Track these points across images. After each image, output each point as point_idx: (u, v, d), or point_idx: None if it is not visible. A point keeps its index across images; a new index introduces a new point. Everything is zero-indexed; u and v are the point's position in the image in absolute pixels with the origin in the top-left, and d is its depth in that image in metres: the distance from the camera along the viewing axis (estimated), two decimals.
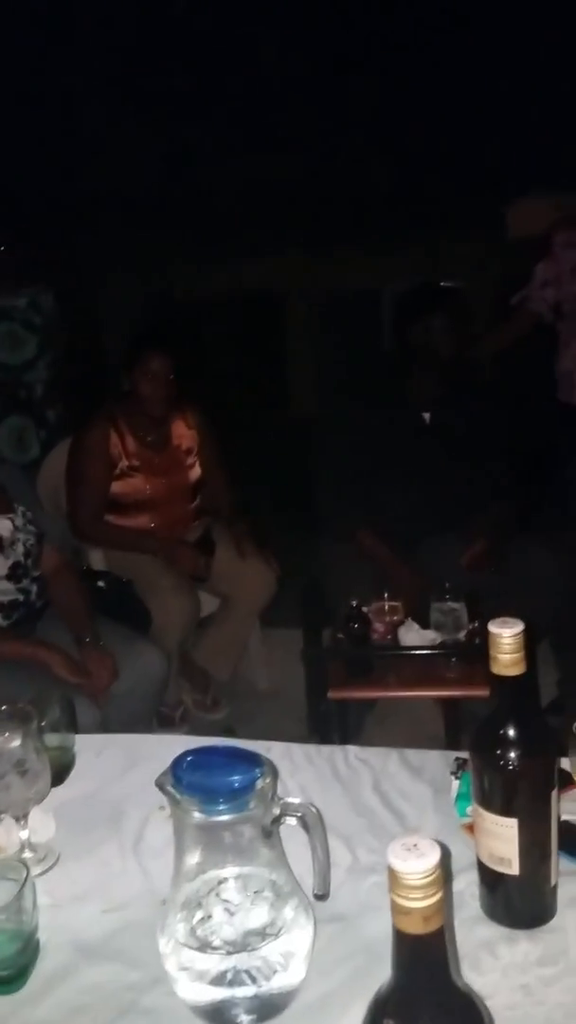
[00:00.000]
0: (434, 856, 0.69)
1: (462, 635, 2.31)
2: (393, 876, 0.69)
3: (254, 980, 0.95)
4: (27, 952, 1.05)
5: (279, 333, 6.57)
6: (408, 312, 2.77)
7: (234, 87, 6.49)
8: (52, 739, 1.40)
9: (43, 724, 1.35)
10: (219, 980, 0.95)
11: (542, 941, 1.04)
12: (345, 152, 6.39)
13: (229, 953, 0.96)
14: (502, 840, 1.04)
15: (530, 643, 1.04)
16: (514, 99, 6.24)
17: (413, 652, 2.32)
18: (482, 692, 2.06)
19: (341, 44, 6.49)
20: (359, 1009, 0.76)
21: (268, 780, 0.99)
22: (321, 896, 1.07)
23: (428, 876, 0.68)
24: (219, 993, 0.95)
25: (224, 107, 6.54)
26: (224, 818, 0.96)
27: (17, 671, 2.10)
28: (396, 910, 0.70)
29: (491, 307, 4.61)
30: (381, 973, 0.74)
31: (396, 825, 1.28)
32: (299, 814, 1.01)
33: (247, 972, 0.95)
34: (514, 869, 1.04)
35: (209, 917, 0.99)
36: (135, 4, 6.25)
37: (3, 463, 3.16)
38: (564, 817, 1.17)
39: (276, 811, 1.00)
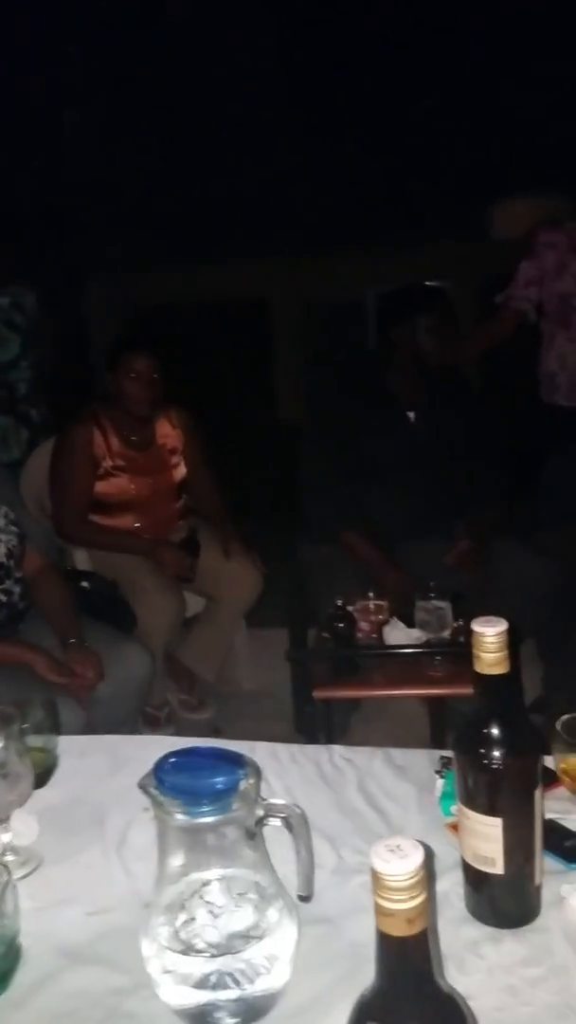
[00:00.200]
0: (417, 857, 0.69)
1: (447, 634, 2.31)
2: (376, 878, 0.69)
3: (238, 983, 0.94)
4: (9, 957, 1.04)
5: (265, 334, 6.57)
6: (393, 312, 2.77)
7: (218, 91, 6.48)
8: (35, 741, 1.39)
9: (26, 726, 1.34)
10: (203, 983, 0.94)
11: (527, 941, 1.04)
12: (331, 156, 6.39)
13: (213, 956, 0.95)
14: (486, 839, 1.04)
15: (514, 642, 1.04)
16: (497, 102, 6.26)
17: (398, 651, 2.32)
18: (467, 691, 2.05)
19: (326, 50, 6.49)
20: (343, 1012, 0.76)
21: (252, 781, 0.98)
22: (305, 898, 1.07)
23: (411, 878, 0.68)
24: (203, 996, 0.94)
25: (209, 111, 6.53)
26: (207, 820, 0.96)
27: None
28: (379, 912, 0.69)
29: (476, 307, 4.63)
30: (366, 975, 0.74)
31: (381, 825, 1.28)
32: (283, 815, 1.00)
33: (231, 975, 0.94)
34: (499, 868, 1.04)
35: (193, 920, 0.99)
36: (121, 5, 6.24)
37: None
38: (548, 816, 1.17)
39: (260, 812, 0.99)
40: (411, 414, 2.78)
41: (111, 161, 6.28)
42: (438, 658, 2.30)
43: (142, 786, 0.99)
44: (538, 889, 1.08)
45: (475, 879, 1.07)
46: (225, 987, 0.94)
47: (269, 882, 1.00)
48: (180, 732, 2.89)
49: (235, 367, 6.06)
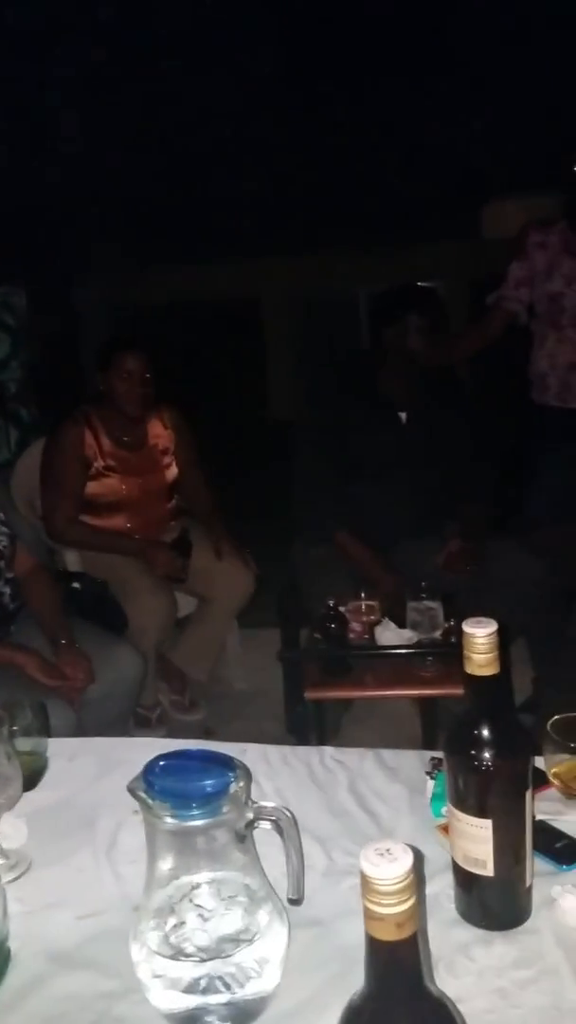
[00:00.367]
0: (406, 861, 0.68)
1: (438, 634, 2.31)
2: (365, 882, 0.68)
3: (228, 987, 0.94)
4: None
5: (257, 334, 6.57)
6: (384, 312, 2.77)
7: (213, 91, 6.47)
8: (24, 744, 1.38)
9: (14, 728, 1.34)
10: (193, 987, 0.94)
11: (518, 943, 1.04)
12: (323, 157, 6.40)
13: (203, 960, 0.95)
14: (477, 841, 1.04)
15: (504, 643, 1.04)
16: (486, 103, 6.28)
17: (390, 652, 2.32)
18: (458, 691, 2.05)
19: (321, 51, 6.50)
20: (334, 1015, 0.76)
21: (241, 784, 0.98)
22: (295, 901, 1.06)
23: (400, 882, 0.68)
24: (193, 1000, 0.94)
25: (204, 111, 6.52)
26: (197, 823, 0.95)
27: None
28: (369, 916, 0.69)
29: (467, 307, 4.63)
30: (356, 978, 0.74)
31: (372, 827, 1.27)
32: (273, 818, 1.00)
33: (221, 979, 0.94)
34: (489, 870, 1.04)
35: (182, 923, 0.98)
36: (116, 8, 6.23)
37: None
38: (539, 817, 1.17)
39: (250, 815, 0.99)
40: (403, 414, 2.78)
41: (103, 161, 6.27)
42: (429, 658, 2.30)
43: (131, 789, 0.99)
44: (528, 891, 1.08)
45: (465, 881, 1.07)
46: (215, 991, 0.93)
47: (259, 885, 1.00)
48: (172, 733, 2.88)
49: (227, 367, 6.06)
